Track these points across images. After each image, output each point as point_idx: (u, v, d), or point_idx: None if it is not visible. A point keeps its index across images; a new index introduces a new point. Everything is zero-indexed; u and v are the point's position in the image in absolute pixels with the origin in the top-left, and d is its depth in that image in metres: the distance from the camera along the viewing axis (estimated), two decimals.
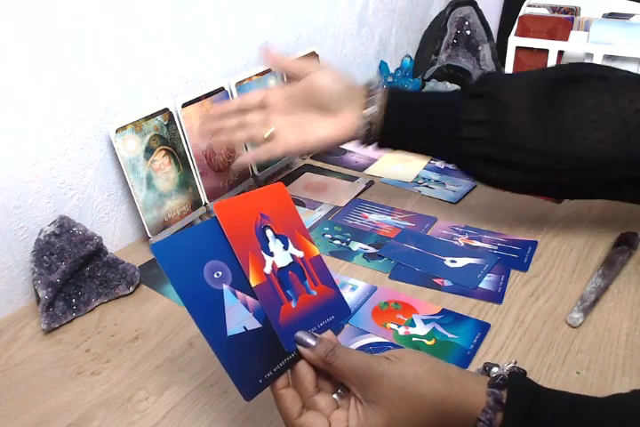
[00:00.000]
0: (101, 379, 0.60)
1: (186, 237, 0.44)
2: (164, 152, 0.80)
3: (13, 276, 0.70)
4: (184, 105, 0.81)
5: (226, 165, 0.90)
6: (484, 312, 0.68)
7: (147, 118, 0.77)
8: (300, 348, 0.46)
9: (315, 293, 0.49)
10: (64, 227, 0.70)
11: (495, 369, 0.45)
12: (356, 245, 0.80)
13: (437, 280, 0.73)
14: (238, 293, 0.45)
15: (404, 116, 0.72)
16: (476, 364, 0.60)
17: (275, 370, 0.45)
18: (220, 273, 0.44)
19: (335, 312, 0.50)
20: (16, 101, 0.65)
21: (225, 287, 0.44)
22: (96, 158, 0.76)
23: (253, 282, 0.45)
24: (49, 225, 0.69)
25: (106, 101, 0.75)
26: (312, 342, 0.45)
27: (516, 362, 0.46)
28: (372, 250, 0.79)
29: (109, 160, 0.77)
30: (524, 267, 0.75)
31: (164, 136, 0.79)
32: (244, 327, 0.44)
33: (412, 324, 0.66)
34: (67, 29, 0.68)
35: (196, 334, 0.65)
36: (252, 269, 0.45)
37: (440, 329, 0.65)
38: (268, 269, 0.46)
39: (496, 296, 0.69)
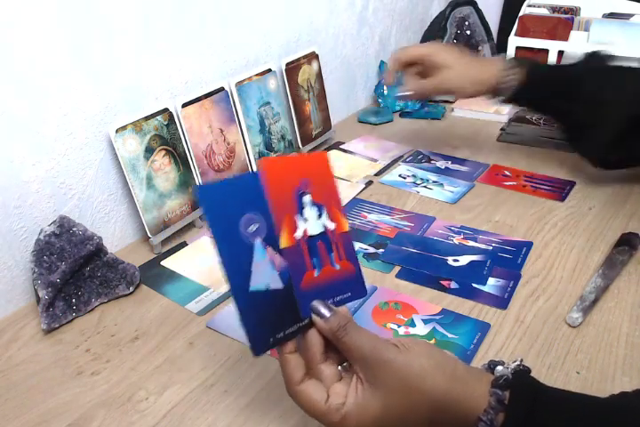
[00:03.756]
0: (101, 379, 0.60)
1: (229, 186, 0.44)
2: (163, 152, 0.80)
3: (13, 276, 0.70)
4: (184, 105, 0.81)
5: (226, 165, 0.90)
6: (484, 312, 0.68)
7: (147, 118, 0.77)
8: (314, 316, 0.46)
9: (338, 267, 0.49)
10: (64, 227, 0.70)
11: (500, 368, 0.45)
12: (355, 245, 0.80)
13: (444, 282, 0.73)
14: (269, 249, 0.45)
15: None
16: (476, 364, 0.60)
17: (287, 332, 0.45)
18: (255, 227, 0.44)
19: (352, 290, 0.50)
20: (16, 101, 0.65)
21: (257, 241, 0.44)
22: (96, 158, 0.76)
23: (283, 244, 0.45)
24: (49, 225, 0.69)
25: (106, 101, 0.75)
26: (327, 313, 0.45)
27: (522, 360, 0.45)
28: (371, 250, 0.79)
29: (109, 160, 0.77)
30: (517, 268, 0.75)
31: (164, 136, 0.79)
32: (267, 285, 0.44)
33: (412, 324, 0.66)
34: (67, 29, 0.68)
35: (196, 334, 0.65)
36: (284, 231, 0.45)
37: (440, 329, 0.65)
38: (298, 234, 0.46)
39: (501, 302, 0.69)
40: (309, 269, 0.47)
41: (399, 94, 0.88)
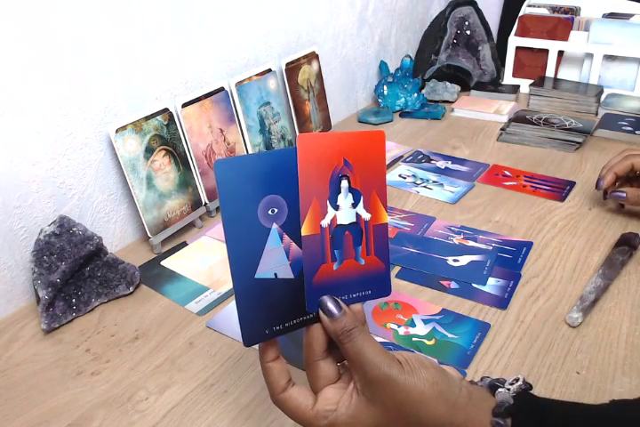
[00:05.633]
0: (101, 379, 0.60)
1: (255, 162, 0.39)
2: (163, 152, 0.80)
3: (13, 276, 0.70)
4: (184, 105, 0.81)
5: None
6: (484, 312, 0.68)
7: (147, 118, 0.77)
8: (320, 313, 0.43)
9: (363, 262, 0.44)
10: (64, 227, 0.70)
11: (500, 391, 0.42)
12: None
13: (444, 282, 0.73)
14: (285, 237, 0.41)
15: None
16: (476, 364, 0.60)
17: (286, 325, 0.42)
18: (276, 211, 0.40)
19: (374, 288, 0.45)
20: (16, 101, 0.65)
21: (274, 227, 0.40)
22: (96, 158, 0.76)
23: (304, 231, 0.41)
24: (49, 225, 0.69)
25: (106, 101, 0.75)
26: (335, 311, 0.42)
27: (523, 379, 0.43)
28: None
29: (109, 160, 0.77)
30: (517, 268, 0.75)
31: (164, 136, 0.79)
32: (275, 274, 0.41)
33: (412, 324, 0.66)
34: (67, 29, 0.68)
35: (196, 334, 0.65)
36: (309, 218, 0.41)
37: (440, 329, 0.65)
38: (325, 222, 0.42)
39: (501, 302, 0.69)
40: (328, 262, 0.43)
41: (615, 193, 0.83)
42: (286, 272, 0.42)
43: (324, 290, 0.43)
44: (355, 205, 0.43)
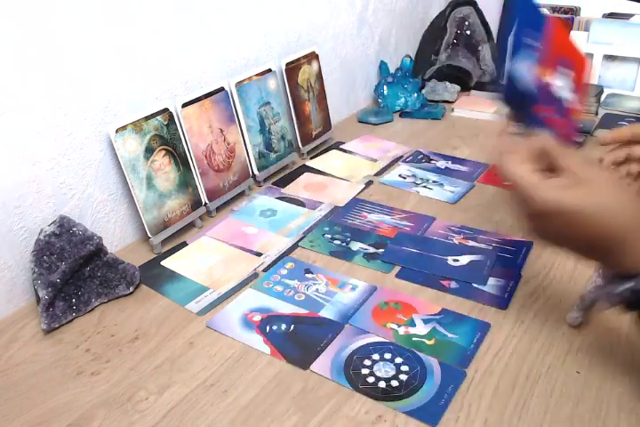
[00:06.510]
0: (101, 379, 0.60)
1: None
2: (163, 152, 0.80)
3: (13, 276, 0.70)
4: (184, 105, 0.82)
5: (226, 165, 0.90)
6: (484, 312, 0.67)
7: (147, 118, 0.77)
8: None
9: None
10: (64, 227, 0.70)
11: None
12: (356, 245, 0.80)
13: (444, 282, 0.73)
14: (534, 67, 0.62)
15: None
16: (476, 364, 0.60)
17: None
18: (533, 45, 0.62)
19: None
20: (16, 101, 0.65)
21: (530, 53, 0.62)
22: (96, 158, 0.76)
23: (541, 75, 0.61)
24: (49, 225, 0.69)
25: (106, 101, 0.75)
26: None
27: None
28: (371, 250, 0.79)
29: (109, 160, 0.77)
30: (517, 268, 0.75)
31: (164, 136, 0.79)
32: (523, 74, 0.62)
33: (412, 324, 0.66)
34: (67, 29, 0.68)
35: (196, 334, 0.65)
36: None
37: (440, 329, 0.65)
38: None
39: (501, 301, 0.69)
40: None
41: None
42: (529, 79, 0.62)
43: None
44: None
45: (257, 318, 0.67)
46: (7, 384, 0.60)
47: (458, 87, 1.34)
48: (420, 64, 1.39)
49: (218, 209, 0.90)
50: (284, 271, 0.75)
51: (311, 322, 0.66)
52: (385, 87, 1.30)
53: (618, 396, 0.56)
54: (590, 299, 0.67)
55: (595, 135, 1.13)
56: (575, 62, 0.63)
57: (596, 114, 1.23)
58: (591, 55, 1.29)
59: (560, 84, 0.61)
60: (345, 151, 1.10)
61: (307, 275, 0.75)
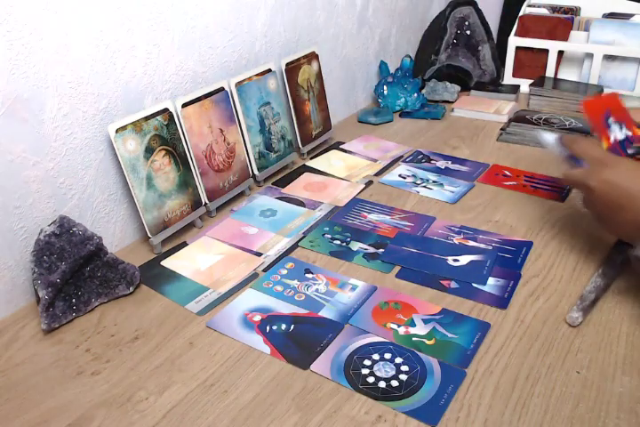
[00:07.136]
0: (101, 379, 0.60)
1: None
2: (163, 152, 0.80)
3: (13, 276, 0.70)
4: (184, 105, 0.82)
5: (226, 165, 0.90)
6: (484, 312, 0.68)
7: (147, 118, 0.77)
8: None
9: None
10: (64, 227, 0.70)
11: None
12: (356, 245, 0.80)
13: (444, 282, 0.73)
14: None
15: None
16: (476, 364, 0.60)
17: None
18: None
19: None
20: (16, 101, 0.65)
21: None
22: (96, 158, 0.76)
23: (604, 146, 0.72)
24: (49, 225, 0.69)
25: (106, 101, 0.75)
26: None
27: None
28: (371, 250, 0.79)
29: (109, 160, 0.77)
30: (517, 267, 0.75)
31: (164, 136, 0.79)
32: None
33: (412, 323, 0.66)
34: (67, 29, 0.68)
35: (196, 334, 0.65)
36: (603, 140, 0.72)
37: (440, 329, 0.65)
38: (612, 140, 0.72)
39: (501, 301, 0.69)
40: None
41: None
42: None
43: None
44: (621, 129, 0.72)
45: (257, 318, 0.67)
46: (7, 384, 0.60)
47: (458, 87, 1.34)
48: (419, 64, 1.39)
49: (218, 209, 0.90)
50: (284, 271, 0.75)
51: (311, 322, 0.66)
52: (385, 87, 1.30)
53: (618, 396, 0.56)
54: (590, 299, 0.67)
55: (594, 135, 1.13)
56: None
57: None
58: (591, 55, 1.29)
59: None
60: (345, 151, 1.10)
61: (307, 275, 0.75)
